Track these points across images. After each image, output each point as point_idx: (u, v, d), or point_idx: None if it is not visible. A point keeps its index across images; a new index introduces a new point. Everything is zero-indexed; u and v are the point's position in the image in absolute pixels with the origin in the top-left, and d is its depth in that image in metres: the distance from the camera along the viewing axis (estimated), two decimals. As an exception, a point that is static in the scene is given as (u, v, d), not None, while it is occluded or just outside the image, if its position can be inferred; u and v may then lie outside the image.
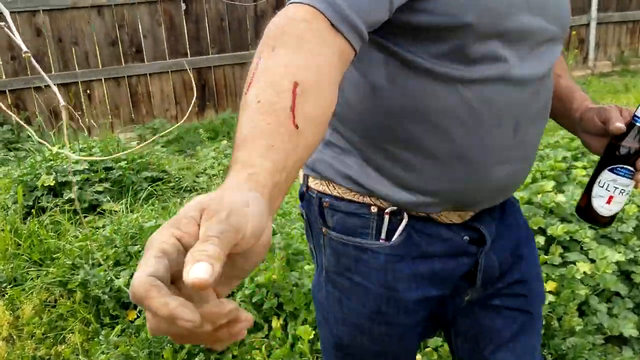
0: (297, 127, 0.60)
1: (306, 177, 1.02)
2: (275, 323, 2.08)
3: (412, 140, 0.86)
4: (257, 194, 0.52)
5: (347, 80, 0.88)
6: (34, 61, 0.71)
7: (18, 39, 0.70)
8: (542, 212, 2.33)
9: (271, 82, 0.62)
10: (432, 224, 0.95)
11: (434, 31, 0.79)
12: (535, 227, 2.23)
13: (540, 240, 2.13)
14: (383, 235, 0.94)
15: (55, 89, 0.83)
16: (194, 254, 0.42)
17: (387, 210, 0.93)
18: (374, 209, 0.94)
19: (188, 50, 5.17)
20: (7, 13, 0.85)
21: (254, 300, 2.10)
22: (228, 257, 0.45)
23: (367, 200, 0.94)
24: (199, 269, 0.41)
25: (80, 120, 4.99)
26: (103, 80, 5.00)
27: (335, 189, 0.96)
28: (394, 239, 0.94)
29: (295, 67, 0.63)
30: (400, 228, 0.94)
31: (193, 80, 5.18)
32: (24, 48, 0.67)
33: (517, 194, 2.40)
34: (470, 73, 0.81)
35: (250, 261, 0.50)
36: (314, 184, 1.00)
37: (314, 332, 1.97)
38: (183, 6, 5.04)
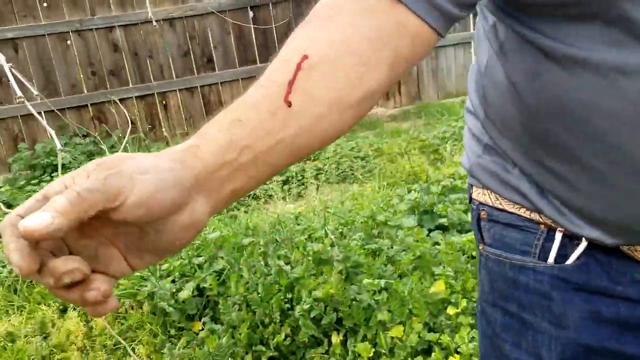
0: (289, 104, 0.53)
1: (470, 186, 0.86)
2: (335, 339, 2.04)
3: (566, 149, 0.66)
4: (177, 165, 0.48)
5: (488, 77, 0.74)
6: (27, 104, 0.70)
7: (14, 87, 0.69)
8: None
9: (282, 57, 0.56)
10: (622, 258, 0.71)
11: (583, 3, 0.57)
12: None
13: None
14: (551, 259, 0.74)
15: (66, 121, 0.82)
16: (47, 203, 0.42)
17: (560, 228, 0.73)
18: (542, 226, 0.74)
19: (257, 58, 5.23)
20: (4, 62, 0.85)
21: (312, 314, 2.06)
22: (135, 226, 0.47)
23: (534, 216, 0.75)
24: (33, 218, 0.41)
25: (156, 131, 5.17)
26: (177, 90, 5.16)
27: (497, 199, 0.79)
28: (566, 263, 0.73)
29: (312, 40, 0.56)
30: (576, 254, 0.72)
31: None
32: (19, 92, 0.67)
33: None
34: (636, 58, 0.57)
35: (164, 237, 0.49)
36: (477, 194, 0.83)
37: (373, 350, 1.90)
38: (250, 14, 5.11)
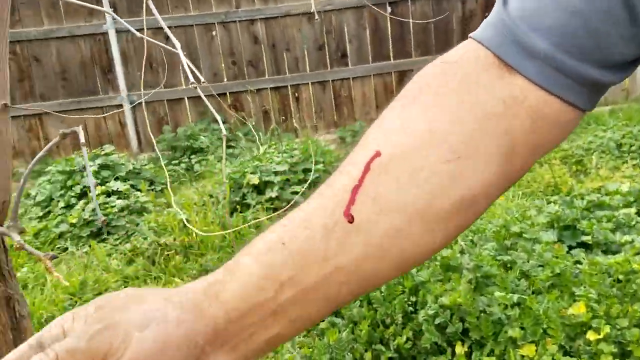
0: (350, 218, 0.41)
1: None
2: (459, 349, 1.95)
3: None
4: (189, 316, 0.39)
5: None
6: (199, 90, 0.72)
7: (188, 71, 0.72)
8: None
9: (357, 150, 0.45)
10: None
11: None
12: None
13: None
14: None
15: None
16: None
17: None
18: None
19: (391, 53, 5.19)
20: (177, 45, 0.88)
21: (437, 321, 1.99)
22: None
23: None
24: None
25: (288, 123, 5.32)
26: (310, 83, 5.26)
27: None
28: None
29: (389, 131, 0.45)
30: None
31: (394, 83, 5.19)
32: (191, 78, 0.68)
33: None
34: None
35: None
36: None
37: (500, 367, 1.80)
38: (388, 9, 5.07)
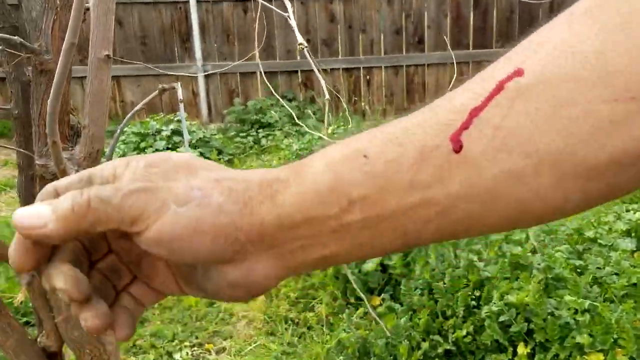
0: (458, 146, 0.32)
1: None
2: (522, 350, 1.89)
3: None
4: (239, 207, 0.34)
5: None
6: (306, 52, 0.70)
7: (297, 34, 0.70)
8: None
9: (497, 64, 0.34)
10: None
11: None
12: None
13: None
14: None
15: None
16: (57, 199, 0.35)
17: None
18: None
19: (471, 43, 5.04)
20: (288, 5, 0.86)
21: (500, 319, 1.94)
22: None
23: None
24: (29, 213, 0.34)
25: (357, 104, 5.28)
26: (383, 67, 5.19)
27: None
28: None
29: (548, 42, 0.32)
30: None
31: (470, 74, 5.05)
32: (300, 39, 0.67)
33: None
34: None
35: (209, 283, 0.37)
36: None
37: (564, 373, 1.74)
38: (472, -3, 4.93)
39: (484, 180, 0.33)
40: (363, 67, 5.22)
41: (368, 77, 5.26)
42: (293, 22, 0.70)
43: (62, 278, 0.35)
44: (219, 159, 3.91)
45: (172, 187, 0.34)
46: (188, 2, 5.06)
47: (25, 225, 0.34)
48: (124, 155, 3.79)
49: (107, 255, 0.40)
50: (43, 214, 0.34)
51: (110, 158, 1.04)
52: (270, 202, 0.34)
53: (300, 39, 0.76)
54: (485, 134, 0.32)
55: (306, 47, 0.70)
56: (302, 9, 5.13)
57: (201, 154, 3.87)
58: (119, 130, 0.93)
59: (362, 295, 1.66)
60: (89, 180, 0.36)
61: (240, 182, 0.35)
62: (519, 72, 0.32)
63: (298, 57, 5.25)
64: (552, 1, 4.85)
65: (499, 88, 0.32)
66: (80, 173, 0.37)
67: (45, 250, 0.36)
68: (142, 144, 3.76)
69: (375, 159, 0.33)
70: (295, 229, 0.35)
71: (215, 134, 4.47)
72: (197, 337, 2.23)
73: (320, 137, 3.66)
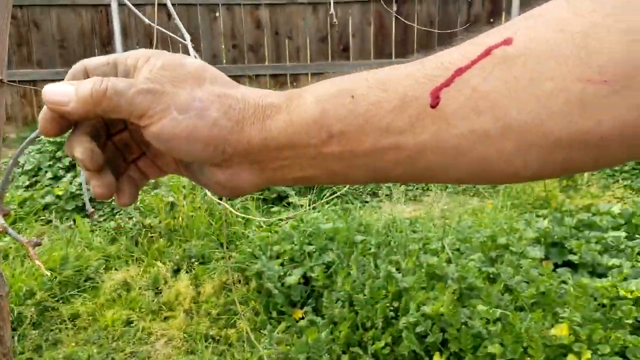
0: (435, 100, 0.35)
1: None
2: (437, 359, 1.95)
3: None
4: (231, 124, 0.39)
5: None
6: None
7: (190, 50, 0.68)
8: None
9: (484, 34, 0.37)
10: None
11: None
12: None
13: None
14: None
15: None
16: (81, 81, 0.40)
17: None
18: None
19: (393, 52, 5.15)
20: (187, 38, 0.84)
21: (417, 330, 1.98)
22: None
23: None
24: (56, 90, 0.39)
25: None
26: (309, 74, 5.22)
27: None
28: None
29: (541, 18, 0.35)
30: None
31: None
32: (193, 53, 0.65)
33: None
34: None
35: (201, 177, 0.43)
36: None
37: (477, 381, 1.80)
38: (394, 7, 5.03)
39: (453, 136, 0.35)
40: (289, 74, 5.23)
41: (294, 83, 5.26)
42: (192, 51, 0.69)
43: (80, 149, 0.40)
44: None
45: (177, 94, 0.39)
46: (109, 5, 4.89)
47: (51, 100, 0.39)
48: (38, 168, 3.60)
49: (123, 131, 0.46)
50: (67, 93, 0.39)
51: (3, 189, 0.98)
52: (261, 125, 0.39)
53: (192, 52, 0.74)
54: (462, 94, 0.34)
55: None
56: (228, 15, 5.07)
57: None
58: (10, 164, 0.88)
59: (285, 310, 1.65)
60: (114, 64, 0.42)
61: (240, 101, 0.39)
62: (508, 41, 0.34)
63: (224, 62, 5.19)
64: (468, 13, 5.03)
65: (487, 53, 0.34)
66: (108, 56, 0.43)
67: (68, 121, 0.41)
68: (59, 153, 3.59)
69: (360, 100, 0.37)
70: (279, 150, 0.39)
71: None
72: (113, 359, 2.15)
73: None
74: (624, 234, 2.41)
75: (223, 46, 5.17)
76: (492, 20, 5.01)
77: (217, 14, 5.08)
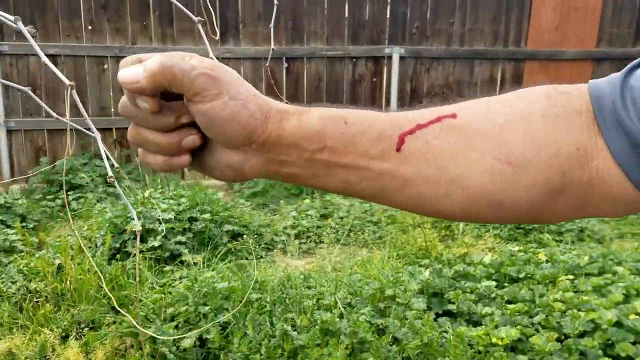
0: (400, 144, 0.50)
1: None
2: (332, 415, 2.03)
3: None
4: (263, 117, 0.50)
5: None
6: (74, 94, 0.74)
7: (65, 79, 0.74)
8: (632, 337, 2.15)
9: (440, 106, 0.52)
10: None
11: None
12: (623, 355, 2.06)
13: (627, 372, 1.96)
14: None
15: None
16: (145, 61, 0.48)
17: None
18: None
19: (284, 106, 5.34)
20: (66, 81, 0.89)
21: (313, 387, 2.06)
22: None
23: None
24: (129, 72, 0.47)
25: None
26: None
27: None
28: None
29: (476, 107, 0.52)
30: None
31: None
32: (67, 82, 0.71)
33: (603, 314, 2.23)
34: None
35: (211, 158, 0.52)
36: None
37: None
38: (284, 64, 5.24)
39: (406, 170, 0.50)
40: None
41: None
42: (76, 97, 0.74)
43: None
44: (23, 227, 3.60)
45: (229, 84, 0.48)
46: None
47: (126, 81, 0.47)
48: None
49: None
50: (137, 72, 0.47)
51: None
52: (278, 124, 0.50)
53: (76, 98, 0.79)
54: (419, 143, 0.50)
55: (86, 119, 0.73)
56: (116, 67, 5.01)
57: (1, 222, 3.53)
58: None
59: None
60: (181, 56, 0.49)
61: (266, 102, 0.51)
62: (454, 115, 0.50)
63: (113, 115, 5.09)
64: (353, 73, 5.36)
65: (438, 119, 0.50)
66: (174, 53, 0.49)
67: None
68: None
69: (351, 126, 0.51)
70: (286, 147, 0.51)
71: (18, 198, 4.11)
72: None
73: (138, 202, 3.57)
74: (494, 283, 2.67)
75: (112, 99, 5.09)
76: (374, 79, 5.37)
77: (106, 66, 5.01)
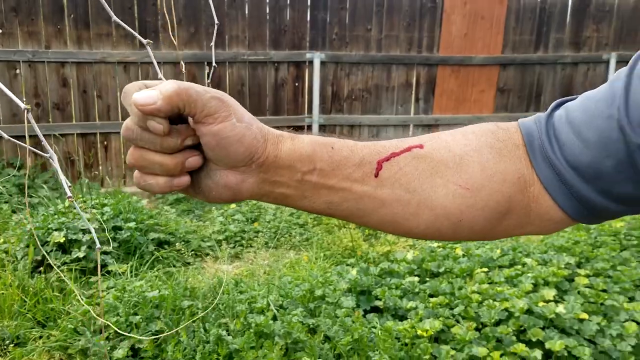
0: (378, 169, 0.58)
1: None
2: (269, 414, 2.09)
3: None
4: (262, 140, 0.56)
5: None
6: (30, 118, 0.77)
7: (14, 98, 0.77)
8: (541, 323, 2.36)
9: (409, 137, 0.61)
10: None
11: None
12: (534, 339, 2.26)
13: (537, 354, 2.16)
14: None
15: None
16: (160, 84, 0.52)
17: None
18: None
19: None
20: None
21: (250, 388, 2.11)
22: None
23: None
24: (144, 94, 0.51)
25: (93, 171, 5.09)
26: (120, 133, 5.13)
27: None
28: None
29: (438, 140, 0.61)
30: None
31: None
32: (23, 105, 0.74)
33: (516, 303, 2.44)
34: None
35: (208, 180, 0.57)
36: None
37: None
38: (206, 69, 5.23)
39: (382, 193, 0.58)
40: (99, 132, 5.09)
41: (105, 142, 5.13)
42: None
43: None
44: None
45: (236, 108, 0.54)
46: None
47: (142, 102, 0.50)
48: None
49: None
50: (152, 95, 0.51)
51: None
52: (276, 146, 0.56)
53: (19, 102, 0.81)
54: (393, 168, 0.58)
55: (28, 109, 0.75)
56: (29, 72, 4.81)
57: None
58: None
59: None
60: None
61: (264, 127, 0.57)
62: (421, 146, 0.59)
63: (26, 121, 4.87)
64: (276, 78, 5.43)
65: (409, 149, 0.59)
66: (149, 85, 0.54)
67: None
68: None
69: (337, 152, 0.57)
70: (281, 168, 0.57)
71: None
72: None
73: (56, 213, 3.45)
74: (417, 279, 2.83)
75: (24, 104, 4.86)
76: (296, 84, 5.47)
77: (18, 71, 4.79)
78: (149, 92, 0.51)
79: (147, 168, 0.55)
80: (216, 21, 1.07)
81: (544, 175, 0.59)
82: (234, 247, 3.89)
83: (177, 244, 3.70)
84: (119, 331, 2.21)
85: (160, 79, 0.66)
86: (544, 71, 6.02)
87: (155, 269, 3.28)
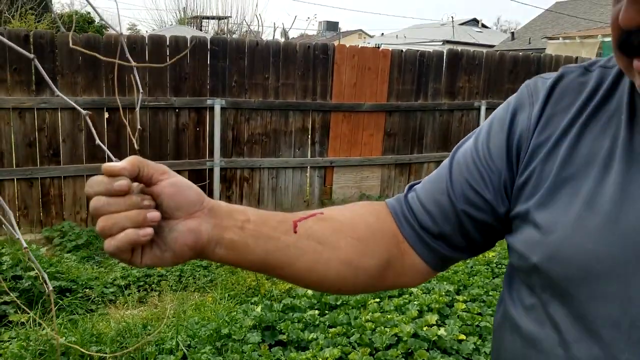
0: (296, 225, 0.75)
1: None
2: None
3: None
4: (208, 205, 0.69)
5: None
6: None
7: None
8: (426, 345, 2.68)
9: (310, 211, 0.79)
10: None
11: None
12: None
13: (422, 372, 2.46)
14: None
15: None
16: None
17: None
18: None
19: (106, 158, 5.31)
20: None
21: None
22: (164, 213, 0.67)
23: None
24: (109, 164, 0.63)
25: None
26: (15, 179, 5.01)
27: None
28: None
29: (331, 210, 0.81)
30: None
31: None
32: None
33: (404, 328, 2.75)
34: None
35: (172, 234, 0.66)
36: None
37: None
38: (106, 115, 5.26)
39: (302, 244, 0.74)
40: (-9, 179, 4.93)
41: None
42: None
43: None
44: None
45: (189, 185, 0.68)
46: None
47: (109, 167, 0.62)
48: None
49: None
50: (119, 162, 0.63)
51: None
52: (219, 206, 0.70)
53: None
54: (305, 226, 0.75)
55: None
56: None
57: None
58: None
59: None
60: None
61: (212, 200, 0.71)
62: (322, 214, 0.78)
63: None
64: (177, 123, 5.57)
65: (313, 215, 0.77)
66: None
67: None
68: None
69: (262, 212, 0.73)
70: (224, 215, 0.70)
71: None
72: None
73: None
74: (317, 312, 3.08)
75: None
76: (198, 128, 5.63)
77: None
78: (114, 163, 0.64)
79: (116, 225, 0.62)
80: (138, 82, 1.26)
81: (408, 235, 0.82)
82: (138, 291, 3.94)
83: (79, 291, 3.70)
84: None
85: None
86: (425, 117, 6.64)
87: (59, 317, 3.27)
